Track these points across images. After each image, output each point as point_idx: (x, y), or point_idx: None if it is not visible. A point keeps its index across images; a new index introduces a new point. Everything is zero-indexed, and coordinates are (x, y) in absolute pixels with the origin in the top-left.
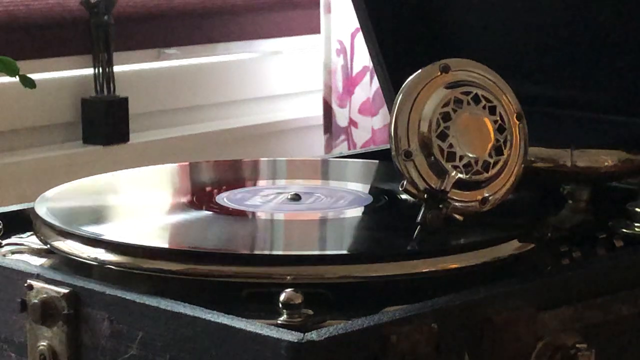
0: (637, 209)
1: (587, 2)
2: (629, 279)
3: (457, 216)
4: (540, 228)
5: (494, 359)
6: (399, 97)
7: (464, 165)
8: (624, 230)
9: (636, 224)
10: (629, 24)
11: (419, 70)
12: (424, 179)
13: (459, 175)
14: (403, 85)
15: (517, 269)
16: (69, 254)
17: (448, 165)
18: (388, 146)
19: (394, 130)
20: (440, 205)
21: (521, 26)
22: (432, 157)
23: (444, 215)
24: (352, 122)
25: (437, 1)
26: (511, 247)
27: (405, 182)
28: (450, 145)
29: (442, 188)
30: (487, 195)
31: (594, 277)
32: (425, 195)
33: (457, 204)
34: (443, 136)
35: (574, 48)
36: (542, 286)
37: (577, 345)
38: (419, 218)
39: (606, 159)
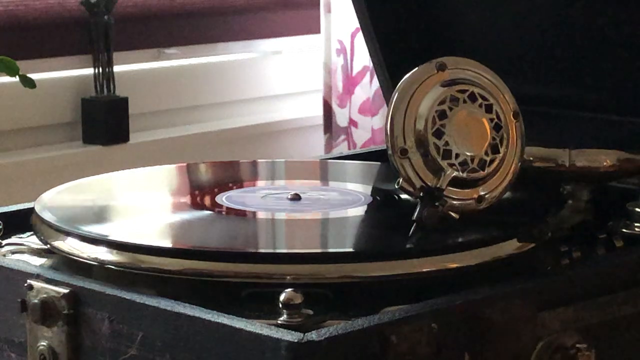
0: (637, 209)
1: (587, 2)
2: (629, 279)
3: (453, 214)
4: (540, 228)
5: (494, 359)
6: (395, 95)
7: (460, 163)
8: (624, 230)
9: (636, 224)
10: (629, 24)
11: (415, 69)
12: (420, 177)
13: (455, 173)
14: (399, 84)
15: (517, 268)
16: (69, 253)
17: (444, 163)
18: None
19: (390, 128)
20: (437, 203)
21: (521, 26)
22: (428, 155)
23: (440, 213)
24: (352, 122)
25: (437, 1)
26: (511, 247)
27: (401, 180)
28: (446, 143)
29: (438, 186)
30: (483, 193)
31: (594, 277)
32: (421, 193)
33: (453, 201)
34: (439, 134)
35: (574, 48)
36: (542, 286)
37: (577, 345)
38: (415, 216)
39: (605, 158)
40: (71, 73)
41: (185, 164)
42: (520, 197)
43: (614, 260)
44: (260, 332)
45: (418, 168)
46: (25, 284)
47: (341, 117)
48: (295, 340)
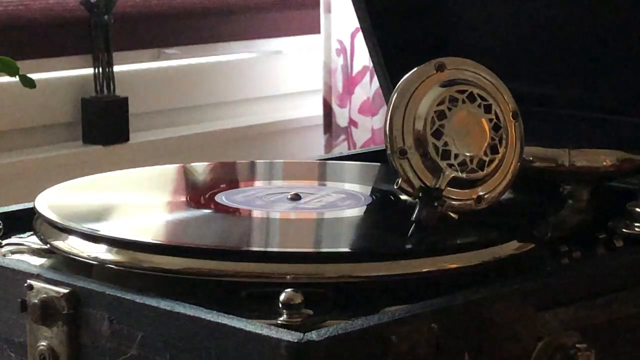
0: (637, 209)
1: (587, 2)
2: (629, 279)
3: (452, 214)
4: (540, 228)
5: (494, 359)
6: (394, 96)
7: (459, 164)
8: (624, 230)
9: (636, 224)
10: (629, 24)
11: (415, 69)
12: (419, 177)
13: (454, 173)
14: (398, 84)
15: (517, 269)
16: (68, 253)
17: (443, 164)
18: None
19: (389, 128)
20: (436, 204)
21: (521, 26)
22: (427, 156)
23: (438, 214)
24: (352, 122)
25: (437, 1)
26: (511, 247)
27: (400, 180)
28: (445, 144)
29: (437, 186)
30: (482, 193)
31: (594, 277)
32: (421, 194)
33: (452, 202)
34: (438, 134)
35: (574, 48)
36: (542, 286)
37: (577, 345)
38: (414, 216)
39: (605, 158)
40: (71, 73)
41: (185, 164)
42: (520, 197)
43: (614, 260)
44: (260, 332)
45: (417, 168)
46: (25, 284)
47: (341, 117)
48: (295, 340)
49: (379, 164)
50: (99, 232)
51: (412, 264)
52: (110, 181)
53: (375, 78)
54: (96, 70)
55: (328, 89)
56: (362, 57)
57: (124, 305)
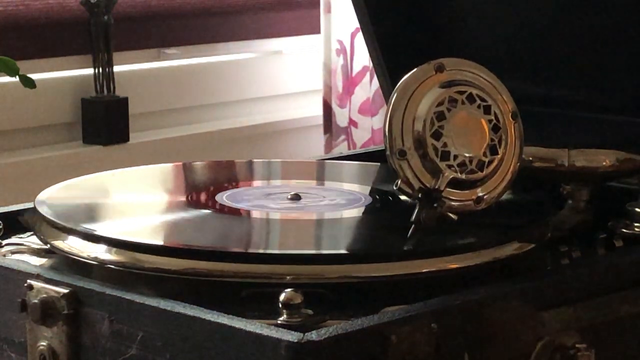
0: (637, 209)
1: (586, 2)
2: (629, 279)
3: (452, 215)
4: (540, 228)
5: (494, 359)
6: (394, 96)
7: (458, 165)
8: (624, 230)
9: (636, 224)
10: (629, 24)
11: (414, 70)
12: (418, 178)
13: (453, 174)
14: (398, 85)
15: (517, 269)
16: (68, 253)
17: (442, 165)
18: None
19: (389, 129)
20: (435, 204)
21: (520, 26)
22: (427, 157)
23: (438, 214)
24: (352, 122)
25: (437, 2)
26: (511, 247)
27: (399, 181)
28: (445, 145)
29: (437, 187)
30: (481, 194)
31: (594, 277)
32: (420, 195)
33: (452, 203)
34: (437, 135)
35: (574, 48)
36: (542, 286)
37: (577, 345)
38: (414, 217)
39: (604, 158)
40: (71, 73)
41: (185, 163)
42: (519, 198)
43: (614, 260)
44: (260, 332)
45: (416, 169)
46: (25, 284)
47: (341, 117)
48: (295, 340)
49: (378, 164)
50: (98, 234)
51: (412, 264)
52: (110, 180)
53: (375, 78)
54: (96, 70)
55: (328, 89)
56: (362, 57)
57: (124, 305)
